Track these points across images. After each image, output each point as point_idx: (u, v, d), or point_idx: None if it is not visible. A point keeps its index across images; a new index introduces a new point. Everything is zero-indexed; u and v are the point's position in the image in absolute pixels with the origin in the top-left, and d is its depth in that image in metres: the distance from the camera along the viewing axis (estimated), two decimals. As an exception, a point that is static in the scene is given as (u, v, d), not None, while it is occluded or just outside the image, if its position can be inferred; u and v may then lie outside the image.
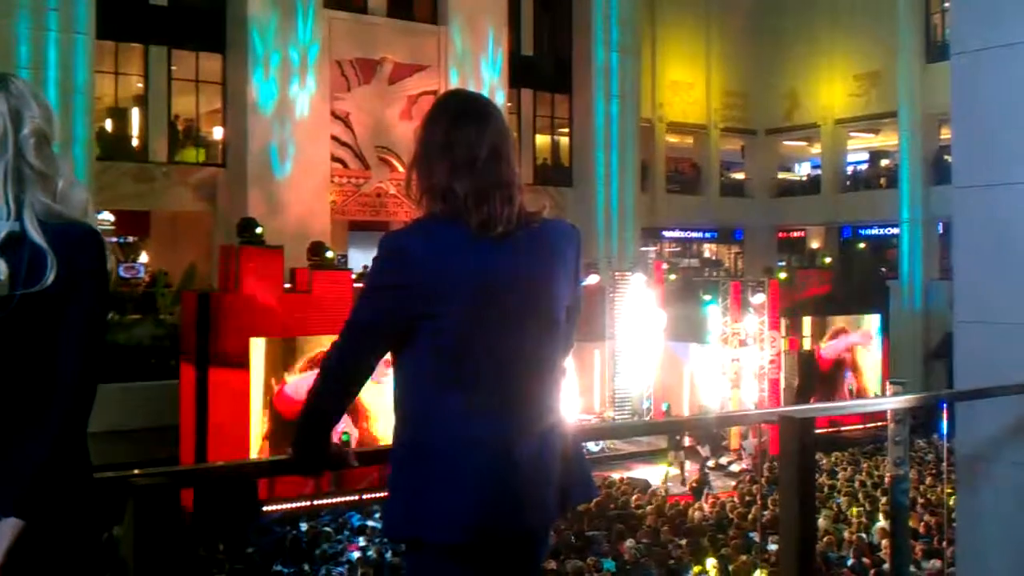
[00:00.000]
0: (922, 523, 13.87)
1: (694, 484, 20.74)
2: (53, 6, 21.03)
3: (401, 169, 26.33)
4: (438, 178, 2.49)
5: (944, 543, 10.80)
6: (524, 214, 2.52)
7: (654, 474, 22.08)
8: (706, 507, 17.52)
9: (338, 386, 2.54)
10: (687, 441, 23.26)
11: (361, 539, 15.32)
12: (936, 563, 11.62)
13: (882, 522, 13.90)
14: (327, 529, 16.04)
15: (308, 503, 17.82)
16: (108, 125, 24.50)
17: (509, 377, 2.48)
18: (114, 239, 22.66)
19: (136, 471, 2.47)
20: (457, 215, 2.45)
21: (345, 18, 25.90)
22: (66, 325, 2.19)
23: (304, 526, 16.50)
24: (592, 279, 25.43)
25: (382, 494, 16.17)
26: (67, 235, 2.21)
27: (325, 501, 17.96)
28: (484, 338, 2.44)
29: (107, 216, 21.78)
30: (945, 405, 6.21)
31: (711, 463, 23.71)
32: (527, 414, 2.50)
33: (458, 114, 2.56)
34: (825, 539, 13.55)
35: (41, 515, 2.11)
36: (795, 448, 3.18)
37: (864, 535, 14.21)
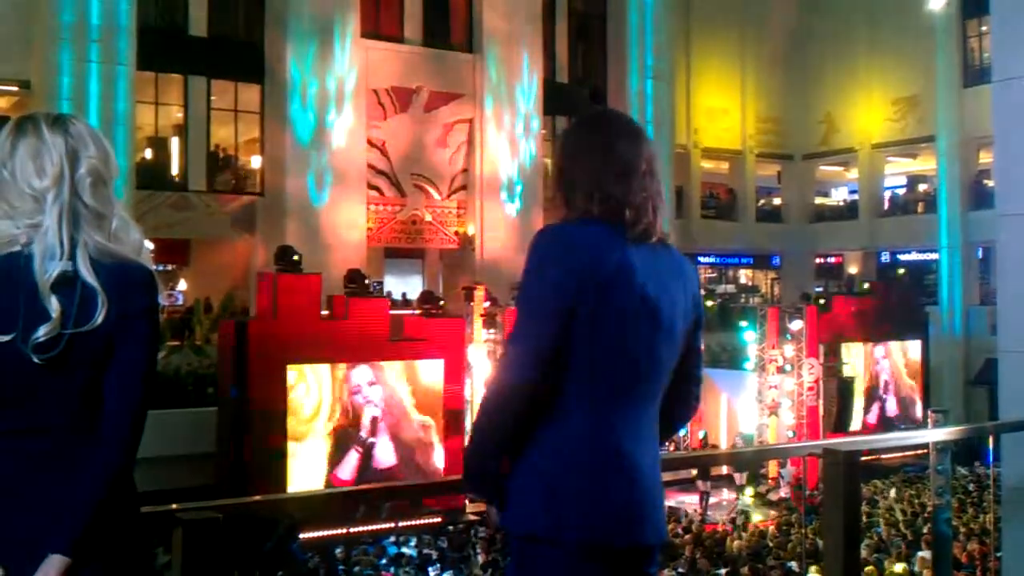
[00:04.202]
0: (964, 553, 13.66)
1: (703, 513, 20.59)
2: (95, 38, 21.36)
3: (437, 196, 26.48)
4: (598, 181, 2.50)
5: (989, 574, 10.63)
6: (663, 232, 2.57)
7: (689, 502, 21.95)
8: (744, 535, 17.36)
9: (518, 398, 2.43)
10: (725, 469, 23.06)
11: (399, 569, 15.31)
12: (980, 594, 11.43)
13: (924, 551, 13.70)
14: (366, 556, 16.04)
15: (344, 530, 17.81)
16: (148, 154, 24.80)
17: (641, 388, 2.49)
18: (154, 267, 22.82)
19: (176, 505, 2.48)
20: (614, 219, 2.47)
21: (381, 47, 26.11)
22: (117, 365, 2.21)
23: (338, 551, 16.51)
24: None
25: (417, 522, 16.24)
26: (120, 275, 2.24)
27: (361, 528, 17.94)
28: (628, 343, 2.44)
29: (147, 244, 21.97)
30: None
31: (749, 492, 23.52)
32: (649, 428, 2.53)
33: (620, 125, 2.61)
34: (866, 570, 13.37)
35: (89, 552, 2.13)
36: (840, 482, 3.15)
37: (905, 564, 14.02)
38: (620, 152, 2.53)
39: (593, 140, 2.56)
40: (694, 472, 22.13)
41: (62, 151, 2.27)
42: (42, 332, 2.13)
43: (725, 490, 22.99)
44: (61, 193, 2.24)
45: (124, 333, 2.21)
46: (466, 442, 2.62)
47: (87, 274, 2.19)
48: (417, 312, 20.85)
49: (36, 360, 2.13)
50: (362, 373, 18.88)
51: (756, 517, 20.95)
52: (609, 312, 2.40)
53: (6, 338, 2.12)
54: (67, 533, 2.11)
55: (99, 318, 2.18)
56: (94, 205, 2.28)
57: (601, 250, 2.41)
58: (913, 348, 27.35)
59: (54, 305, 2.15)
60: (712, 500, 22.25)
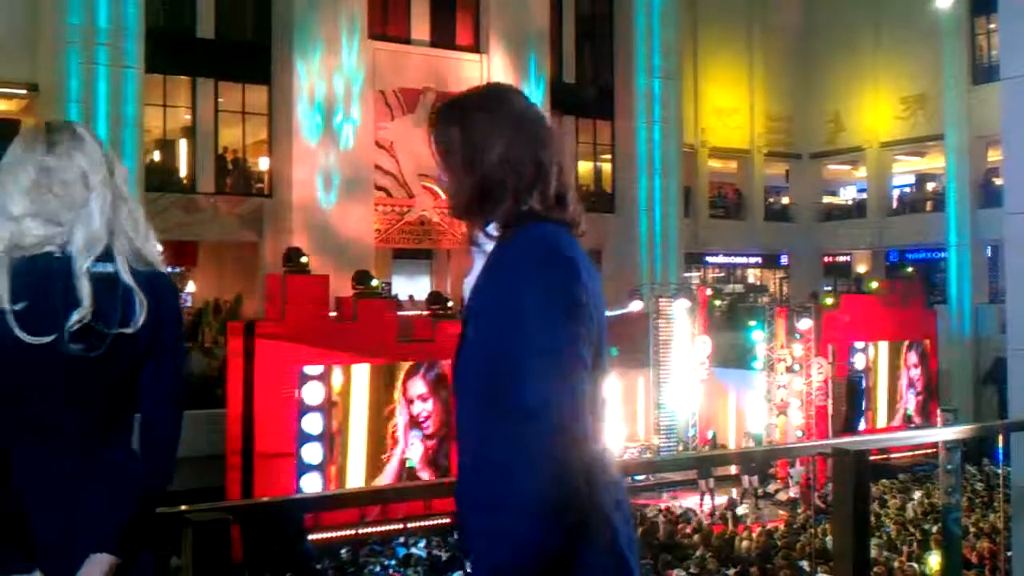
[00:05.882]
0: (974, 552, 13.63)
1: (723, 513, 20.49)
2: (103, 41, 21.39)
3: (444, 197, 26.43)
4: (539, 170, 2.10)
5: (999, 573, 10.60)
6: None
7: (697, 503, 21.97)
8: (753, 536, 17.33)
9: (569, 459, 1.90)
10: (733, 469, 23.04)
11: (409, 571, 15.32)
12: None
13: (934, 552, 13.68)
14: (375, 558, 16.05)
15: (353, 532, 17.83)
16: (156, 156, 24.87)
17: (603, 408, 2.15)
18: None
19: (185, 507, 2.49)
20: (561, 216, 2.11)
21: (389, 49, 26.13)
22: (155, 368, 2.28)
23: (344, 552, 16.55)
24: (636, 305, 25.33)
25: (427, 523, 16.25)
26: (152, 280, 2.30)
27: (370, 530, 17.96)
28: (598, 372, 2.07)
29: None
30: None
31: (758, 492, 23.48)
32: None
33: (540, 110, 2.19)
34: (875, 569, 13.34)
35: (132, 551, 2.19)
36: (850, 482, 3.14)
37: (916, 564, 13.99)
38: (554, 136, 2.15)
39: (528, 118, 2.15)
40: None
41: (101, 159, 2.32)
42: (75, 318, 2.16)
43: (734, 490, 22.94)
44: (104, 198, 2.29)
45: (158, 338, 2.27)
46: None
47: (127, 277, 2.25)
48: (425, 313, 20.86)
49: (80, 359, 2.18)
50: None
51: (742, 512, 20.91)
52: (595, 340, 2.03)
53: (48, 339, 2.15)
54: (114, 532, 2.17)
55: (139, 320, 2.23)
56: (131, 212, 2.33)
57: (578, 258, 2.03)
58: (922, 347, 27.27)
59: (90, 301, 2.19)
60: (719, 500, 22.21)
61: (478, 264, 2.15)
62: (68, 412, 2.20)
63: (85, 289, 2.18)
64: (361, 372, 18.84)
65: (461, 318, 2.17)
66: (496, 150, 2.10)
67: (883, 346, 26.35)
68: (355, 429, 18.82)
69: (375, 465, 18.92)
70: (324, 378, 18.42)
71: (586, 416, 1.94)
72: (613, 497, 2.07)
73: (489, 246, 2.13)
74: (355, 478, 18.56)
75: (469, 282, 2.15)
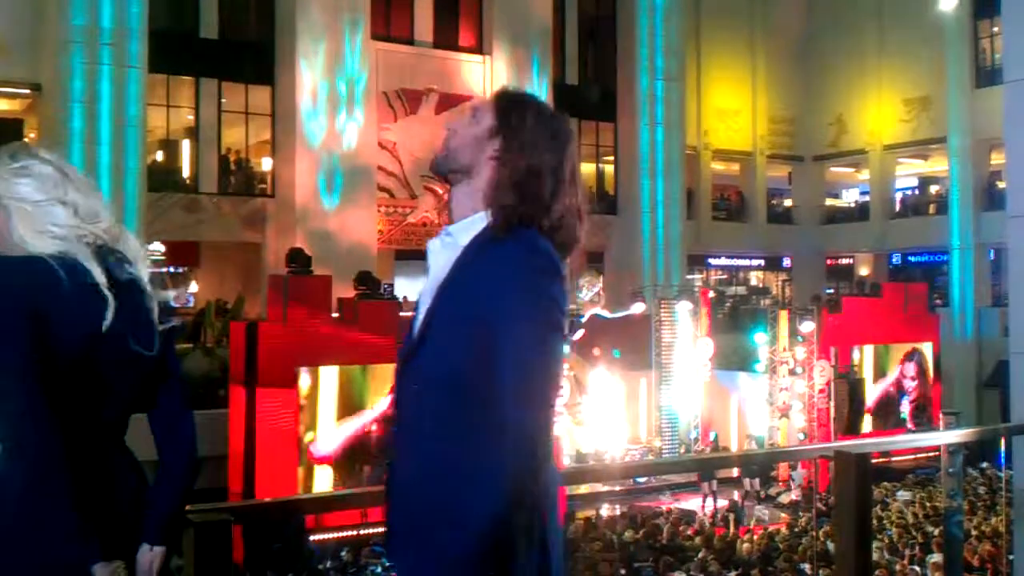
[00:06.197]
0: (976, 556, 13.59)
1: (724, 515, 20.46)
2: (107, 41, 21.42)
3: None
4: (542, 190, 2.10)
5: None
6: None
7: (699, 505, 21.92)
8: (755, 538, 17.31)
9: (540, 453, 1.95)
10: (735, 472, 23.00)
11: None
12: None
13: (936, 555, 13.65)
14: (377, 551, 16.06)
15: (354, 532, 17.80)
16: (159, 156, 24.88)
17: None
18: (165, 269, 22.84)
19: (188, 507, 2.50)
20: (557, 240, 2.08)
21: (392, 49, 26.15)
22: (168, 373, 2.38)
23: (345, 553, 16.53)
24: (638, 307, 25.31)
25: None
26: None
27: (371, 531, 17.92)
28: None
29: (158, 246, 22.06)
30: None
31: (761, 494, 23.44)
32: None
33: (563, 122, 2.19)
34: (876, 572, 13.31)
35: (174, 543, 2.31)
36: (852, 485, 3.14)
37: (917, 568, 13.97)
38: (568, 153, 2.16)
39: (540, 132, 2.14)
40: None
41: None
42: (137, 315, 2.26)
43: (736, 492, 22.91)
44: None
45: (169, 345, 2.40)
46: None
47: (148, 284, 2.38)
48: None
49: (135, 357, 2.26)
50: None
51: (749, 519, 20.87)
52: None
53: (102, 330, 2.19)
54: (158, 528, 2.27)
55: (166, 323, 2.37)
56: None
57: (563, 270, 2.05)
58: (925, 350, 27.21)
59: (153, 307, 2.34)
60: (721, 503, 22.19)
61: (442, 258, 2.13)
62: (106, 410, 2.27)
63: (146, 285, 2.31)
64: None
65: (425, 315, 2.14)
66: (540, 172, 2.10)
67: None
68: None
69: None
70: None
71: (551, 437, 1.95)
72: (551, 518, 2.07)
73: (463, 242, 2.11)
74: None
75: (437, 277, 2.12)
